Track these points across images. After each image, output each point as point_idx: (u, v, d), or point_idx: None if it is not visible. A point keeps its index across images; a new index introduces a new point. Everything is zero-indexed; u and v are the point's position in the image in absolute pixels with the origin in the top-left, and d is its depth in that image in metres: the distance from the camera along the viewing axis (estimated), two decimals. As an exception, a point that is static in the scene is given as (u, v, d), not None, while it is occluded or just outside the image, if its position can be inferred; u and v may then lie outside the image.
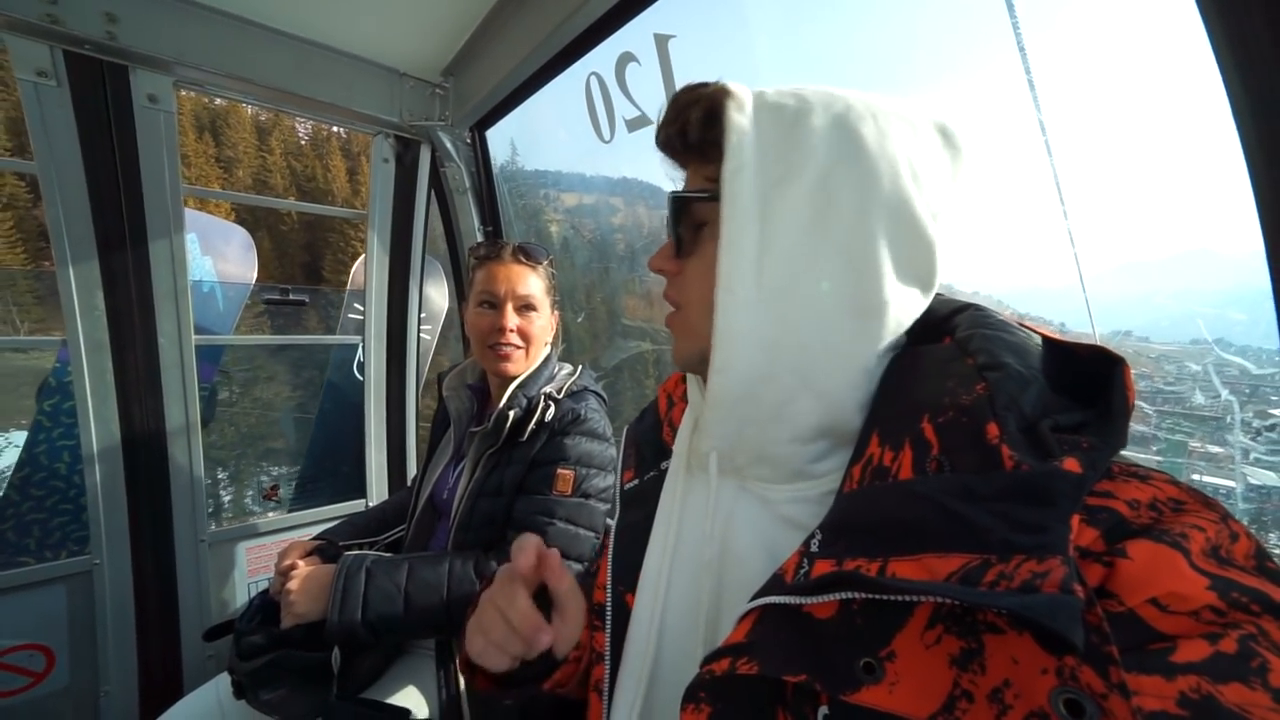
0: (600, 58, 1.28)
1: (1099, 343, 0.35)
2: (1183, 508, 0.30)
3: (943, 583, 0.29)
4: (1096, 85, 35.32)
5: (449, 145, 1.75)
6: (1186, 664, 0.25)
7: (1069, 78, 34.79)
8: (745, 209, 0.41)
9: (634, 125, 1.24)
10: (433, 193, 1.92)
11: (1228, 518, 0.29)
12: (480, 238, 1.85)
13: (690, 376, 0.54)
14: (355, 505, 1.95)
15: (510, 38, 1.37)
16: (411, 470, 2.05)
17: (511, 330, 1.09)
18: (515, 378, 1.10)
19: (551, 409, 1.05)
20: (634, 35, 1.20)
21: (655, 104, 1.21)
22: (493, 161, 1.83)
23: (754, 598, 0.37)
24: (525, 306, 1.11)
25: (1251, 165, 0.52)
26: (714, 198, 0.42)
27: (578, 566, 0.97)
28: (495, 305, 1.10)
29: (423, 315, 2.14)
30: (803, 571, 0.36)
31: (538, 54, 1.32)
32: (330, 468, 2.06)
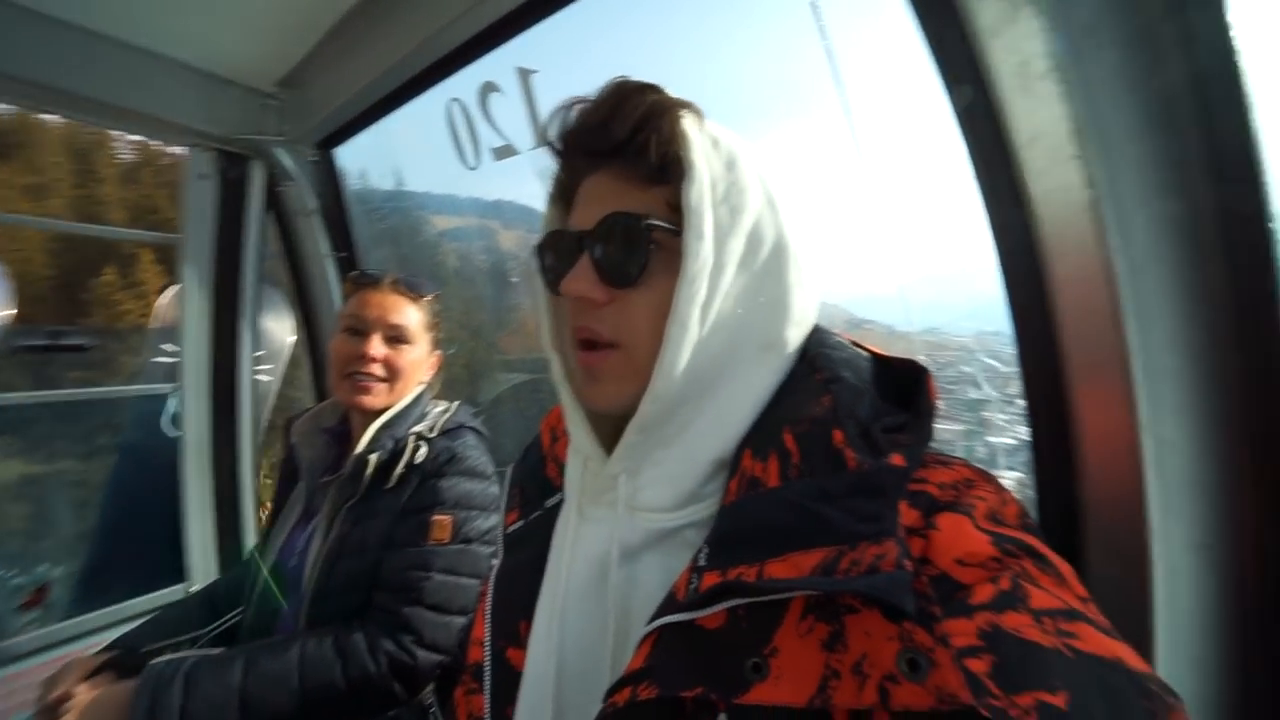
0: (462, 84, 1.26)
1: (914, 336, 0.43)
2: (973, 485, 0.37)
3: (807, 576, 0.33)
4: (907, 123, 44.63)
5: (288, 163, 1.56)
6: (980, 604, 0.31)
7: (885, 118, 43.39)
8: (708, 244, 0.41)
9: (501, 154, 1.24)
10: (271, 215, 1.68)
11: (1001, 489, 0.38)
12: (333, 265, 1.66)
13: (575, 414, 0.49)
14: (171, 595, 1.59)
15: (361, 54, 1.28)
16: (252, 540, 1.73)
17: (376, 359, 0.99)
18: (374, 413, 0.99)
19: (423, 449, 0.96)
20: (496, 65, 1.20)
21: (521, 135, 1.22)
22: (345, 182, 1.67)
23: (650, 620, 0.38)
24: (396, 338, 1.02)
25: (981, 188, 0.69)
26: (675, 228, 0.42)
27: (461, 620, 0.89)
28: (361, 332, 1.00)
29: (260, 353, 1.84)
30: (692, 587, 0.37)
31: (393, 74, 1.25)
32: (131, 551, 1.64)
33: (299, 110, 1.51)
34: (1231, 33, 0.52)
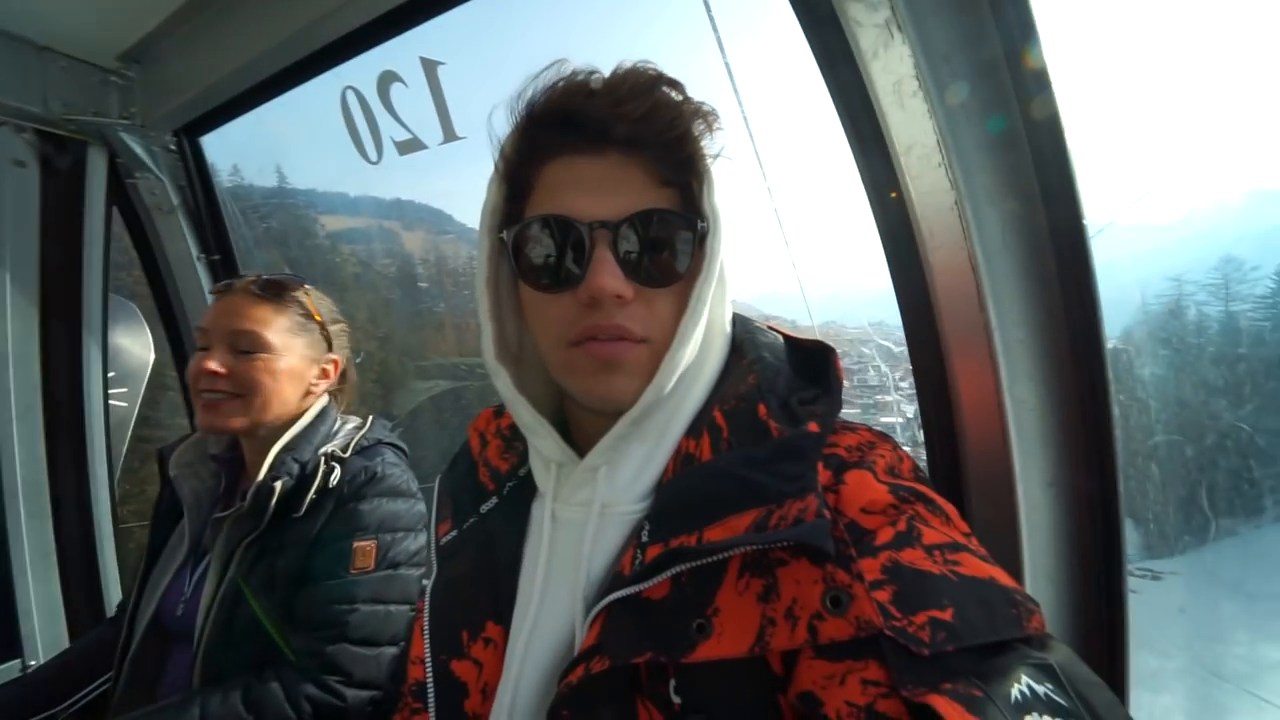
0: (357, 71, 1.16)
1: (816, 329, 0.48)
2: (874, 446, 0.43)
3: (743, 535, 0.36)
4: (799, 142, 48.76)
5: (139, 151, 1.34)
6: (882, 544, 0.35)
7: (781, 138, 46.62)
8: (722, 246, 0.44)
9: (406, 148, 1.16)
10: (114, 211, 1.43)
11: (897, 448, 0.44)
12: (204, 269, 1.46)
13: (540, 425, 0.47)
14: (5, 673, 1.30)
15: (232, 30, 1.13)
16: (113, 595, 1.46)
17: (217, 374, 0.86)
18: (263, 435, 0.89)
19: (337, 471, 0.87)
20: (397, 54, 1.12)
21: (427, 128, 1.15)
22: (215, 176, 1.47)
23: (597, 599, 0.39)
24: (244, 348, 0.89)
25: (867, 190, 0.78)
26: (701, 229, 0.43)
27: (393, 650, 0.83)
28: (205, 345, 0.89)
29: (111, 374, 1.56)
30: (637, 561, 0.39)
31: (272, 56, 1.12)
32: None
33: (152, 90, 1.30)
34: (1047, 59, 0.64)
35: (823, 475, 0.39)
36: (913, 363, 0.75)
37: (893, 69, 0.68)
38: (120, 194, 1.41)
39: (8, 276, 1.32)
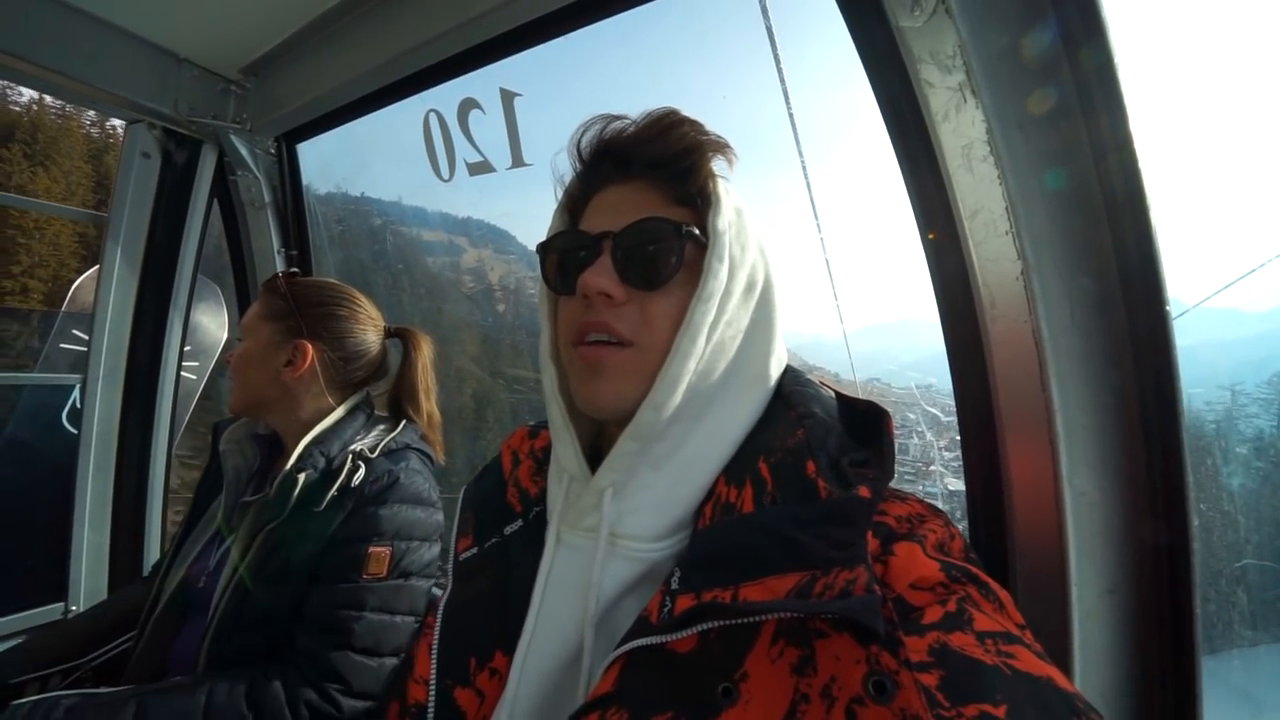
0: (442, 96, 1.25)
1: (858, 385, 0.46)
2: (924, 519, 0.41)
3: (784, 600, 0.34)
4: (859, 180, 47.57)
5: (244, 152, 1.49)
6: (930, 624, 0.33)
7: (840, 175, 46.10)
8: (725, 268, 0.44)
9: (475, 170, 1.23)
10: (215, 203, 1.58)
11: (949, 523, 0.42)
12: (281, 262, 1.58)
13: (565, 431, 0.48)
14: (48, 614, 1.39)
15: (336, 53, 1.25)
16: (152, 556, 1.55)
17: (228, 361, 0.98)
18: (299, 424, 0.93)
19: (361, 470, 0.87)
20: (479, 83, 1.21)
21: (499, 154, 1.22)
22: (311, 181, 1.61)
23: (620, 643, 0.38)
24: (241, 335, 0.99)
25: (927, 253, 0.75)
26: (700, 240, 0.45)
27: (393, 661, 0.82)
28: None
29: (188, 348, 1.70)
30: (666, 610, 0.37)
31: (368, 78, 1.23)
32: (2, 562, 1.42)
33: (262, 100, 1.45)
34: (1132, 133, 0.61)
35: (870, 544, 0.37)
36: (962, 437, 0.69)
37: (963, 132, 0.67)
38: (221, 188, 1.56)
39: (119, 251, 1.47)
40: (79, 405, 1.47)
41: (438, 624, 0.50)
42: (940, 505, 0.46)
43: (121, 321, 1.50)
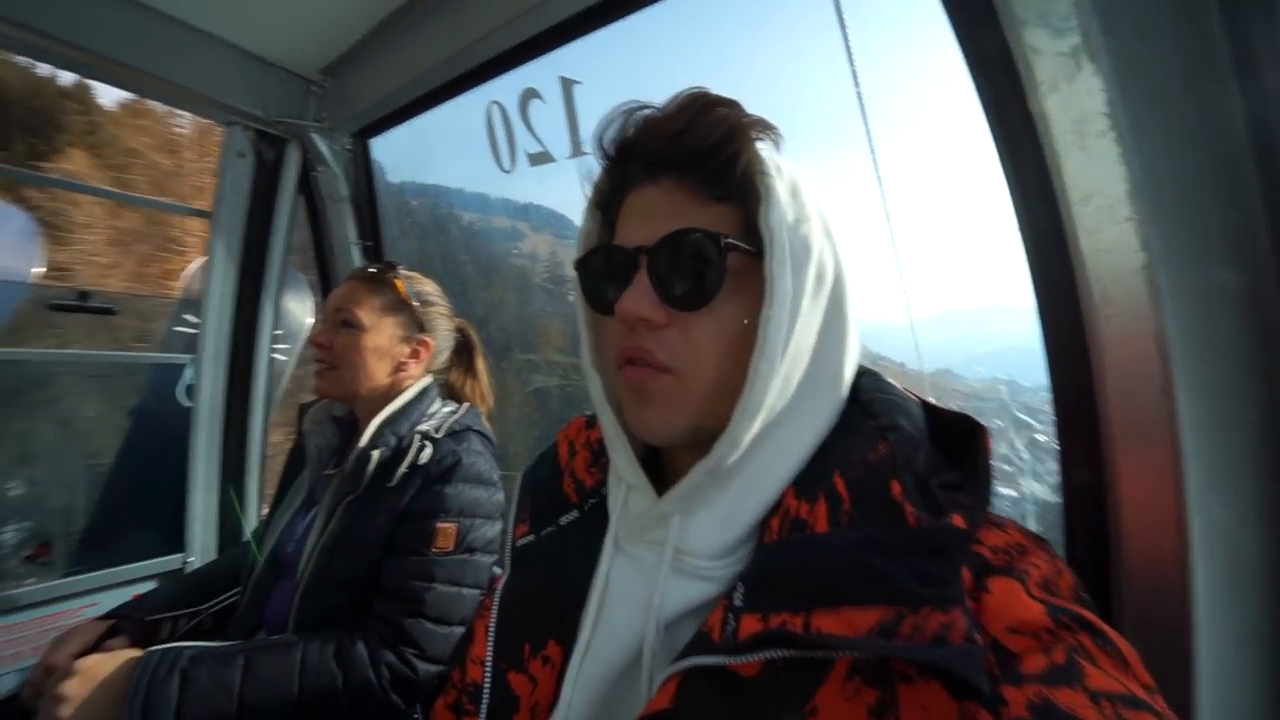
0: (503, 88, 1.27)
1: (925, 376, 0.41)
2: (1025, 551, 0.36)
3: (865, 637, 0.31)
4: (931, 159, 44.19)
5: (324, 149, 1.58)
6: (1030, 674, 0.29)
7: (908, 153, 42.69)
8: (789, 268, 0.38)
9: (536, 160, 1.24)
10: (301, 198, 1.70)
11: (1055, 557, 0.36)
12: (356, 252, 1.68)
13: (619, 441, 0.45)
14: (169, 564, 1.59)
15: (405, 50, 1.30)
16: (255, 520, 1.73)
17: (320, 345, 0.99)
18: (373, 404, 0.98)
19: (428, 450, 0.93)
20: (540, 73, 1.20)
21: (559, 142, 1.22)
22: (381, 173, 1.69)
23: (679, 658, 0.36)
24: (344, 322, 0.99)
25: (1025, 240, 0.67)
26: (753, 250, 0.40)
27: (460, 630, 0.87)
28: (324, 322, 1.03)
29: (279, 331, 1.85)
30: (729, 628, 0.35)
31: (435, 72, 1.26)
32: (134, 517, 1.64)
33: (339, 99, 1.53)
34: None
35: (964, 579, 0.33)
36: (1061, 448, 0.62)
37: (1076, 104, 0.58)
38: (305, 184, 1.67)
39: (221, 244, 1.62)
40: (190, 383, 1.65)
41: (494, 608, 0.51)
42: (1011, 508, 0.40)
43: (224, 307, 1.66)
